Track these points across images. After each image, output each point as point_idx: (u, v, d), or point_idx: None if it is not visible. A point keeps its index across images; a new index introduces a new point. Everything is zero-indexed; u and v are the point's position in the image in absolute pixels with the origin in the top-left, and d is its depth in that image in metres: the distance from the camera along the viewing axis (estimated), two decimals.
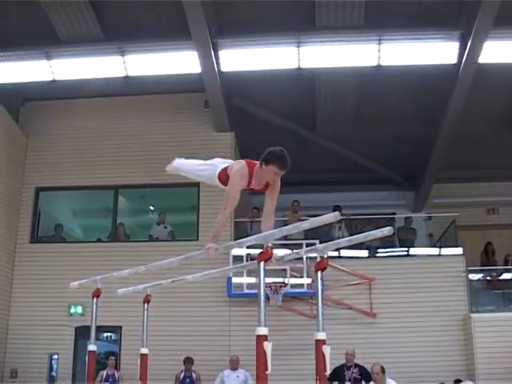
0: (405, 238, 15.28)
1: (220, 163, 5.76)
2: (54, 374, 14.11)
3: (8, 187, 14.92)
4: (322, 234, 12.39)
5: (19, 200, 15.46)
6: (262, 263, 4.64)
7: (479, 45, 12.48)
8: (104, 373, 12.62)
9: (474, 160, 16.47)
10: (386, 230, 5.03)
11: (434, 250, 15.41)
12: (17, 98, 15.81)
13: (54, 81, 14.53)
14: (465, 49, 12.64)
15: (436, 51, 13.12)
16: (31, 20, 13.45)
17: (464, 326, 13.41)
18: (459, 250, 14.35)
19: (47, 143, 15.82)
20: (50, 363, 14.14)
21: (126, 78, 14.47)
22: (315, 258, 5.57)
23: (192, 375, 12.73)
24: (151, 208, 17.38)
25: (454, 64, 13.15)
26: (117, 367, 13.17)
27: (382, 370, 9.73)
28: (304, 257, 13.03)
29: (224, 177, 5.58)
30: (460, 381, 12.33)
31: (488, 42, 12.46)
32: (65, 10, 13.12)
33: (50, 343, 14.03)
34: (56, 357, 14.16)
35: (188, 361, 12.75)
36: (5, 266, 14.60)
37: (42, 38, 13.71)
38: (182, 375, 12.74)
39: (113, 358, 13.00)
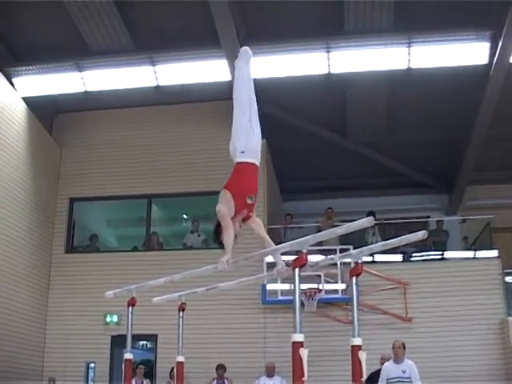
0: (437, 240, 15.19)
1: None
2: (91, 382, 14.23)
3: (43, 198, 15.11)
4: (356, 240, 12.30)
5: (54, 211, 15.65)
6: (296, 269, 4.63)
7: (511, 44, 12.34)
8: (133, 381, 12.68)
9: (508, 161, 16.29)
10: (421, 234, 4.99)
11: (469, 253, 15.25)
12: (50, 110, 15.98)
13: (85, 92, 14.71)
14: (496, 49, 12.50)
15: (467, 52, 12.99)
16: (62, 32, 13.66)
17: (501, 329, 13.23)
18: (495, 253, 14.19)
19: (81, 154, 15.98)
20: (87, 371, 14.27)
21: (157, 87, 14.58)
22: (349, 263, 5.54)
23: (225, 382, 12.77)
24: (184, 216, 17.43)
25: (486, 64, 13.01)
26: (146, 375, 13.24)
27: (403, 346, 10.08)
28: (338, 262, 12.97)
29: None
30: None
31: None
32: (95, 22, 13.25)
33: (87, 352, 14.19)
34: (93, 365, 14.28)
35: (220, 367, 12.79)
36: (41, 277, 14.77)
37: (73, 50, 13.90)
38: (215, 382, 12.78)
39: (142, 367, 13.07)
